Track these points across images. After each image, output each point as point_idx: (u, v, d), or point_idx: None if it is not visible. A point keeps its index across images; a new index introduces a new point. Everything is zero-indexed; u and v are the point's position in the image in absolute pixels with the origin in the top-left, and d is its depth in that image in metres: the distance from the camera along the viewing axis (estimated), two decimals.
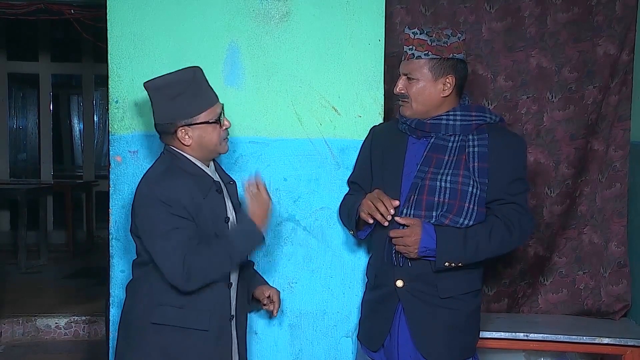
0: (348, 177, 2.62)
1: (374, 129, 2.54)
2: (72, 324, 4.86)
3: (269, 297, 2.43)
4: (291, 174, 2.68)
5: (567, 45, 2.90)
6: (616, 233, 2.98)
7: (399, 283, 2.28)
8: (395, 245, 2.25)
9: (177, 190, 2.07)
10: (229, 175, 2.39)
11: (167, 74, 2.17)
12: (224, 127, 2.21)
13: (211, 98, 2.18)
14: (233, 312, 2.24)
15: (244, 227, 2.17)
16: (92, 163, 8.26)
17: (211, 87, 2.21)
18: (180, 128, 2.14)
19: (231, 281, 2.23)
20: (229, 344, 2.23)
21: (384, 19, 2.66)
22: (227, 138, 2.24)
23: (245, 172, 2.64)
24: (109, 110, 2.66)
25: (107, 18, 2.62)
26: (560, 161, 2.94)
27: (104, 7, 2.63)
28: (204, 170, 2.20)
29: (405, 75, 2.30)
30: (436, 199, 2.22)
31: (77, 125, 9.66)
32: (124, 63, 2.62)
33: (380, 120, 2.66)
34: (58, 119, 9.04)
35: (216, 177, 2.26)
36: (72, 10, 4.70)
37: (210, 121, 2.16)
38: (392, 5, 2.85)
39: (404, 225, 2.23)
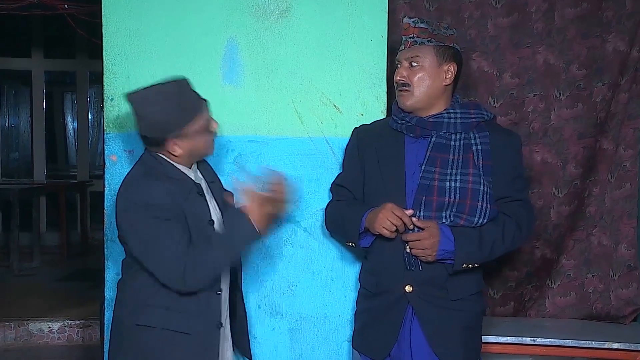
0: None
1: (357, 130, 2.50)
2: (65, 328, 4.86)
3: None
4: (291, 174, 2.68)
5: (575, 42, 2.91)
6: (626, 235, 2.98)
7: (408, 288, 2.28)
8: (411, 249, 2.23)
9: (157, 194, 2.07)
10: (214, 173, 2.38)
11: (151, 85, 2.16)
12: (213, 131, 2.21)
13: (198, 106, 2.17)
14: (222, 320, 2.24)
15: (234, 220, 2.16)
16: (87, 162, 8.27)
17: (197, 93, 2.19)
18: (170, 140, 2.14)
19: (221, 287, 2.23)
20: (215, 352, 2.23)
21: (387, 14, 2.66)
22: (214, 139, 2.25)
23: (244, 172, 2.65)
24: (104, 108, 2.67)
25: (102, 13, 2.63)
26: (568, 161, 2.95)
27: (98, 2, 2.64)
28: (185, 174, 2.20)
29: (408, 62, 2.30)
30: (447, 199, 2.22)
31: (71, 124, 9.66)
32: (119, 60, 2.63)
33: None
34: (51, 117, 9.05)
35: (197, 179, 2.25)
36: (65, 5, 4.70)
37: (199, 130, 2.16)
38: (395, 0, 2.86)
39: (419, 228, 2.22)
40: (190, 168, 2.24)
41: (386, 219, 2.22)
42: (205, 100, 2.20)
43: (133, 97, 2.15)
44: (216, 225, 2.22)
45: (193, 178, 2.22)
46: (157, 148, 2.18)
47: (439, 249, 2.20)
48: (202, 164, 2.35)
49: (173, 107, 2.11)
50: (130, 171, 2.22)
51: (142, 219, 2.06)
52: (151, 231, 2.06)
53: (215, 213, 2.25)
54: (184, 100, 2.13)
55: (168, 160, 2.18)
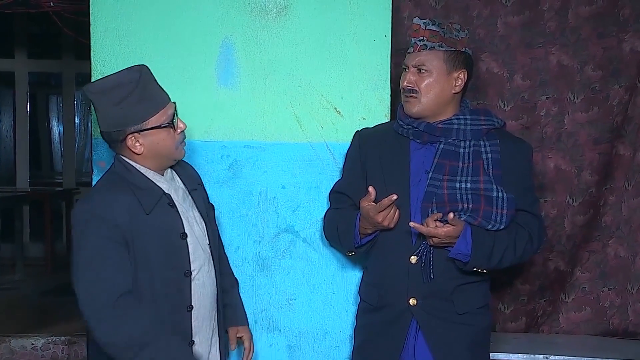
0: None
1: (359, 134, 2.50)
2: (50, 344, 4.85)
3: (240, 338, 2.41)
4: (290, 181, 2.69)
5: (590, 41, 2.91)
6: None
7: (413, 301, 2.29)
8: (431, 237, 2.21)
9: (113, 208, 2.05)
10: (198, 179, 2.36)
11: (110, 75, 2.13)
12: (179, 130, 2.16)
13: (161, 99, 2.14)
14: (194, 337, 2.20)
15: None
16: (73, 169, 8.26)
17: (161, 87, 2.17)
18: (130, 135, 2.10)
19: (192, 304, 2.18)
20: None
21: (390, 13, 2.67)
22: (183, 142, 2.21)
23: (240, 179, 2.66)
24: (92, 112, 2.67)
25: (90, 11, 2.63)
26: (583, 167, 2.95)
27: None
28: (154, 183, 2.16)
29: (416, 67, 2.30)
30: (459, 206, 2.23)
31: (56, 128, 9.67)
32: (108, 60, 2.63)
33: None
34: (36, 120, 9.06)
35: (170, 188, 2.20)
36: (51, 3, 4.71)
37: (162, 125, 2.11)
38: None
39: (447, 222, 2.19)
40: (162, 175, 2.20)
41: (376, 219, 2.21)
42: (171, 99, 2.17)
43: (89, 88, 2.12)
44: (192, 238, 2.18)
45: (164, 188, 2.18)
46: (118, 146, 2.14)
47: (453, 249, 2.21)
48: (184, 170, 2.32)
49: (133, 98, 2.07)
50: (96, 182, 2.20)
51: (89, 234, 2.03)
52: (92, 252, 2.02)
53: (194, 224, 2.21)
54: (145, 91, 2.10)
55: (136, 167, 2.15)
